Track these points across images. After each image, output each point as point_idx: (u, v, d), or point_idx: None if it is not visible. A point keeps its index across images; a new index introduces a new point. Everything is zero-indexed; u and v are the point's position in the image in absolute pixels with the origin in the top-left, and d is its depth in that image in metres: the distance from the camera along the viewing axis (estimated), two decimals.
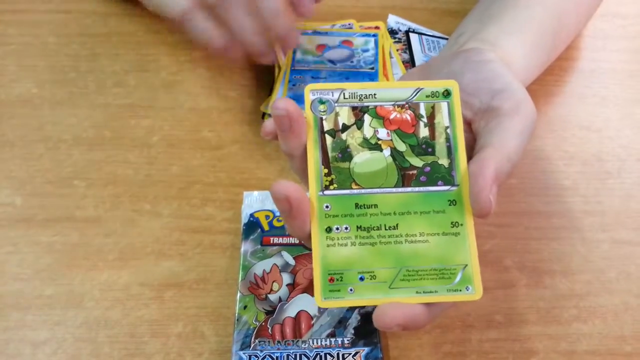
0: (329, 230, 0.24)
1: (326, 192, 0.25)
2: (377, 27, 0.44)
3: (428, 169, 0.25)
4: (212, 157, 0.38)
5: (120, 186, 0.37)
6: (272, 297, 0.31)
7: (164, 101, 0.41)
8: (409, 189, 0.25)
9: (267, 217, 0.35)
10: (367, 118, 0.25)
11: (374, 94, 0.26)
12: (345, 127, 0.25)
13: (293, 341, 0.30)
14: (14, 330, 0.31)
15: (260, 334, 0.30)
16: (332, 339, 0.30)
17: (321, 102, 0.25)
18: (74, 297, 0.32)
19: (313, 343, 0.30)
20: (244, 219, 0.35)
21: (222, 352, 0.30)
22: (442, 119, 0.25)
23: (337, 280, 0.24)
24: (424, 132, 0.25)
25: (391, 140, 0.25)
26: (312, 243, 0.24)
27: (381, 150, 0.25)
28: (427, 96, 0.26)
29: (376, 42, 0.42)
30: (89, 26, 0.45)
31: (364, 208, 0.24)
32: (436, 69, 0.30)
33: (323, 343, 0.30)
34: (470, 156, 0.25)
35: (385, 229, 0.24)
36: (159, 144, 0.39)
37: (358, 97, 0.26)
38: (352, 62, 0.41)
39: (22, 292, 0.32)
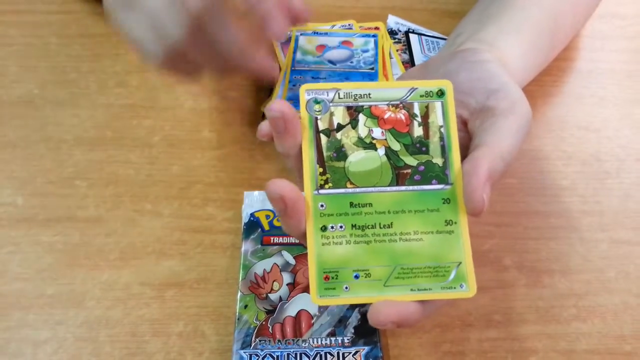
0: (324, 229, 0.24)
1: (321, 191, 0.25)
2: (376, 28, 0.44)
3: (422, 167, 0.25)
4: (212, 157, 0.39)
5: (122, 186, 0.37)
6: (273, 296, 0.32)
7: (164, 101, 0.41)
8: (403, 187, 0.25)
9: (267, 216, 0.35)
10: (361, 117, 0.26)
11: (369, 94, 0.26)
12: (340, 127, 0.25)
13: (293, 340, 0.30)
14: (15, 329, 0.31)
15: (260, 333, 0.30)
16: (333, 338, 0.30)
17: (316, 101, 0.26)
18: (75, 296, 0.32)
19: (313, 342, 0.30)
20: (245, 218, 0.35)
21: (222, 351, 0.30)
22: (436, 119, 0.26)
23: (333, 278, 0.24)
24: (418, 131, 0.26)
25: (385, 139, 0.25)
26: (307, 242, 0.24)
27: (376, 149, 0.25)
28: (421, 96, 0.26)
29: (376, 43, 0.43)
30: (90, 27, 0.45)
31: (359, 207, 0.25)
32: (433, 69, 0.30)
33: (323, 342, 0.30)
34: (465, 155, 0.26)
35: (380, 228, 0.24)
36: (159, 144, 0.39)
37: (353, 97, 0.26)
38: (351, 62, 0.41)
39: (23, 292, 0.32)
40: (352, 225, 0.24)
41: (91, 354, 0.30)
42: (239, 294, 0.32)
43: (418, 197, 0.25)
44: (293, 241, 0.34)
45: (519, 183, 0.38)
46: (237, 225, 0.35)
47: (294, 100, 0.27)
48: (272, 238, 0.34)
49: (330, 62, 0.41)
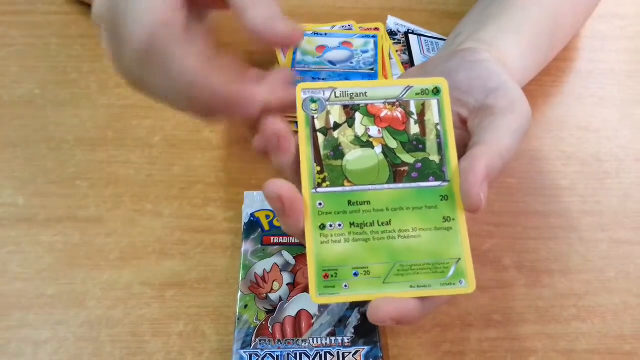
0: (322, 227, 0.24)
1: (319, 189, 0.25)
2: (376, 29, 0.44)
3: (419, 165, 0.25)
4: (213, 158, 0.39)
5: (122, 186, 0.37)
6: (273, 296, 0.32)
7: None
8: (400, 185, 0.25)
9: (267, 216, 0.35)
10: (358, 116, 0.26)
11: (365, 93, 0.26)
12: (336, 126, 0.26)
13: (293, 340, 0.30)
14: (15, 329, 0.31)
15: (260, 333, 0.30)
16: (333, 338, 0.30)
17: (313, 100, 0.26)
18: (76, 296, 0.32)
19: (313, 342, 0.30)
20: (245, 218, 0.35)
21: (223, 351, 0.31)
22: (432, 116, 0.26)
23: (332, 276, 0.24)
24: (414, 129, 0.26)
25: (382, 137, 0.26)
26: (306, 240, 0.24)
27: (373, 147, 0.25)
28: (417, 94, 0.26)
29: (376, 44, 0.43)
30: (91, 27, 0.46)
31: (357, 205, 0.25)
32: (432, 69, 0.30)
33: (323, 342, 0.30)
34: (464, 153, 0.26)
35: (378, 225, 0.24)
36: (160, 144, 0.39)
37: (349, 96, 0.26)
38: (351, 63, 0.41)
39: (24, 292, 0.33)
40: (350, 223, 0.24)
41: (92, 354, 0.30)
42: (239, 293, 0.32)
43: (416, 195, 0.25)
44: (293, 241, 0.34)
45: (519, 183, 0.38)
46: (238, 225, 0.35)
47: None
48: (272, 238, 0.34)
49: (330, 62, 0.41)
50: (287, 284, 0.32)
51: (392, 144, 0.25)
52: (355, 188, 0.25)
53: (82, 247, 0.34)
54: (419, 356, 0.31)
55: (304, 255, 0.33)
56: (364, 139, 0.25)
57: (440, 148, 0.25)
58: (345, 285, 0.24)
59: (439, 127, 0.26)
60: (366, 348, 0.30)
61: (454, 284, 0.24)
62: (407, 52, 0.43)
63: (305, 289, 0.32)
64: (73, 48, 0.44)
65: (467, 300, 0.33)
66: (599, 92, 0.43)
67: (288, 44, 0.24)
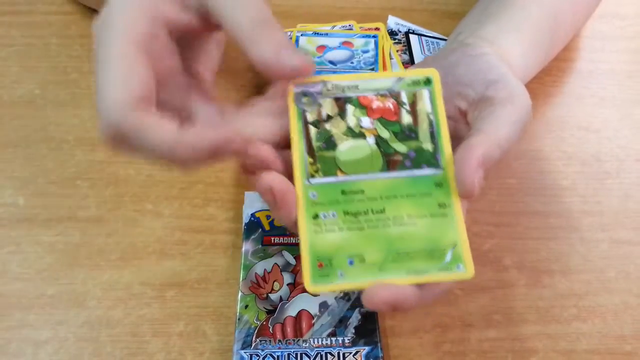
0: (315, 217, 0.24)
1: (312, 180, 0.25)
2: (377, 29, 0.44)
3: (412, 153, 0.25)
4: None
5: (122, 186, 0.37)
6: (273, 296, 0.32)
7: None
8: (394, 173, 0.25)
9: (268, 217, 0.35)
10: (349, 108, 0.26)
11: (356, 86, 0.26)
12: (328, 118, 0.26)
13: (294, 340, 0.30)
14: (16, 329, 0.31)
15: (261, 333, 0.30)
16: (333, 338, 0.30)
17: (304, 95, 0.26)
18: (76, 296, 0.32)
19: (314, 342, 0.30)
20: (245, 218, 0.35)
21: (223, 351, 0.31)
22: (424, 106, 0.26)
23: (326, 265, 0.24)
24: (406, 119, 0.26)
25: (375, 128, 0.25)
26: (299, 231, 0.24)
27: (365, 138, 0.25)
28: (408, 85, 0.26)
29: (376, 43, 0.43)
30: (91, 27, 0.45)
31: (350, 194, 0.25)
32: (432, 64, 0.30)
33: (324, 342, 0.30)
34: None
35: (373, 214, 0.24)
36: None
37: (341, 89, 0.26)
38: (352, 63, 0.41)
39: (24, 292, 0.32)
40: (344, 212, 0.24)
41: (92, 354, 0.30)
42: (240, 294, 0.32)
43: (410, 182, 0.25)
44: (294, 241, 0.34)
45: (519, 183, 0.38)
46: (238, 225, 0.35)
47: None
48: (272, 238, 0.34)
49: (331, 62, 0.41)
50: (288, 284, 0.32)
51: (385, 134, 0.25)
52: (348, 178, 0.25)
53: (83, 247, 0.34)
54: (419, 356, 0.31)
55: None
56: (356, 130, 0.25)
57: (433, 137, 0.25)
58: (341, 274, 0.24)
59: (431, 116, 0.26)
60: (367, 348, 0.30)
61: (451, 269, 0.24)
62: (407, 52, 0.43)
63: (306, 289, 0.32)
64: (73, 48, 0.44)
65: (468, 300, 0.33)
66: (600, 92, 0.43)
67: (299, 76, 0.24)
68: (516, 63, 0.32)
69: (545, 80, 0.43)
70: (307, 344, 0.30)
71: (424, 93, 0.26)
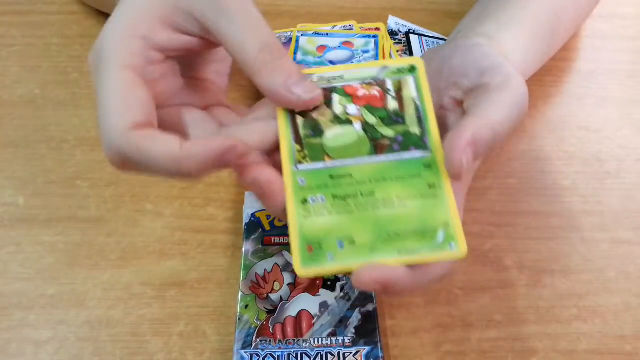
0: (304, 202, 0.24)
1: (299, 166, 0.25)
2: (377, 29, 0.44)
3: (400, 137, 0.25)
4: None
5: (123, 186, 0.37)
6: (274, 296, 0.32)
7: None
8: (382, 157, 0.25)
9: (268, 217, 0.35)
10: (335, 97, 0.26)
11: (341, 76, 0.26)
12: (315, 107, 0.26)
13: (294, 340, 0.30)
14: (16, 329, 0.31)
15: (261, 333, 0.30)
16: (333, 338, 0.30)
17: None
18: (77, 296, 0.32)
19: (314, 342, 0.30)
20: (246, 218, 0.35)
21: (223, 351, 0.31)
22: (409, 92, 0.26)
23: (316, 249, 0.23)
24: (393, 104, 0.26)
25: (361, 115, 0.26)
26: (288, 216, 0.24)
27: (352, 124, 0.25)
28: (393, 73, 0.26)
29: (376, 44, 0.43)
30: (92, 27, 0.46)
31: (339, 179, 0.24)
32: (428, 59, 0.30)
33: (324, 342, 0.30)
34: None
35: (362, 197, 0.24)
36: None
37: (326, 80, 0.26)
38: (352, 63, 0.41)
39: (24, 292, 0.33)
40: (333, 196, 0.24)
41: (92, 353, 0.30)
42: (240, 294, 0.32)
43: (398, 165, 0.25)
44: None
45: (520, 183, 0.38)
46: (238, 225, 0.35)
47: None
48: (273, 238, 0.34)
49: (331, 62, 0.41)
50: (288, 284, 0.32)
51: (371, 119, 0.25)
52: (336, 163, 0.25)
53: (83, 247, 0.34)
54: (419, 356, 0.31)
55: None
56: (343, 118, 0.25)
57: (420, 121, 0.25)
58: (331, 256, 0.23)
59: (417, 101, 0.26)
60: (367, 348, 0.30)
61: (444, 248, 0.23)
62: (408, 52, 0.43)
63: (306, 289, 0.32)
64: (74, 48, 0.44)
65: (468, 300, 0.33)
66: (600, 92, 0.43)
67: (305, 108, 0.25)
68: (516, 59, 0.32)
69: (545, 80, 0.43)
70: (308, 344, 0.30)
71: (409, 80, 0.26)
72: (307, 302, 0.31)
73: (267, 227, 0.34)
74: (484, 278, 0.34)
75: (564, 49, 0.42)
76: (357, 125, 0.25)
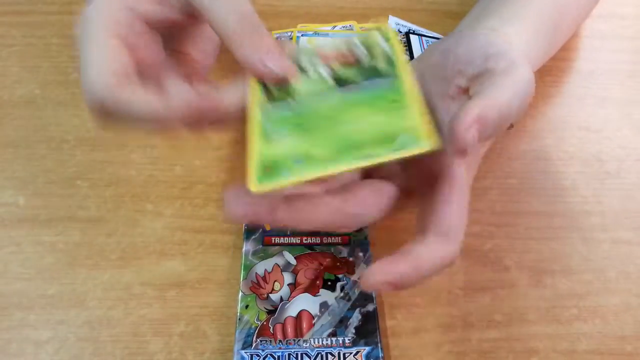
0: (265, 133, 0.24)
1: (265, 105, 0.24)
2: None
3: (369, 81, 0.25)
4: (214, 158, 0.39)
5: (123, 186, 0.37)
6: (274, 296, 0.32)
7: None
8: (346, 89, 0.25)
9: None
10: (304, 58, 0.26)
11: (312, 48, 0.26)
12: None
13: (294, 340, 0.30)
14: (16, 329, 0.31)
15: (261, 333, 0.30)
16: (333, 339, 0.30)
17: None
18: (77, 296, 0.32)
19: (314, 342, 0.30)
20: None
21: (224, 351, 0.31)
22: (380, 48, 0.26)
23: (273, 167, 0.23)
24: (363, 60, 0.26)
25: (331, 69, 0.26)
26: (249, 145, 0.24)
27: (322, 76, 0.25)
28: (360, 35, 0.26)
29: None
30: None
31: (304, 114, 0.24)
32: (430, 53, 0.30)
33: (324, 342, 0.30)
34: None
35: (325, 121, 0.24)
36: (161, 144, 0.39)
37: (298, 52, 0.26)
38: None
39: (24, 292, 0.32)
40: (295, 124, 0.24)
41: (92, 354, 0.30)
42: (240, 294, 0.32)
43: (362, 93, 0.24)
44: (294, 241, 0.34)
45: (520, 183, 0.38)
46: (239, 225, 0.35)
47: None
48: (273, 238, 0.34)
49: None
50: (288, 284, 0.32)
51: (342, 71, 0.25)
52: (302, 99, 0.25)
53: (83, 247, 0.34)
54: (419, 356, 0.31)
55: (305, 256, 0.33)
56: (314, 77, 0.25)
57: (390, 62, 0.25)
58: (288, 172, 0.22)
59: (388, 53, 0.25)
60: (367, 348, 0.30)
61: (407, 146, 0.22)
62: (408, 52, 0.43)
63: (307, 290, 0.32)
64: (74, 48, 0.44)
65: (468, 300, 0.33)
66: (600, 92, 0.43)
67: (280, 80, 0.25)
68: (520, 51, 0.32)
69: (545, 80, 0.43)
70: (308, 344, 0.30)
71: (378, 37, 0.26)
72: (307, 302, 0.31)
73: (268, 227, 0.34)
74: (484, 278, 0.34)
75: (563, 49, 0.42)
76: (327, 76, 0.25)
